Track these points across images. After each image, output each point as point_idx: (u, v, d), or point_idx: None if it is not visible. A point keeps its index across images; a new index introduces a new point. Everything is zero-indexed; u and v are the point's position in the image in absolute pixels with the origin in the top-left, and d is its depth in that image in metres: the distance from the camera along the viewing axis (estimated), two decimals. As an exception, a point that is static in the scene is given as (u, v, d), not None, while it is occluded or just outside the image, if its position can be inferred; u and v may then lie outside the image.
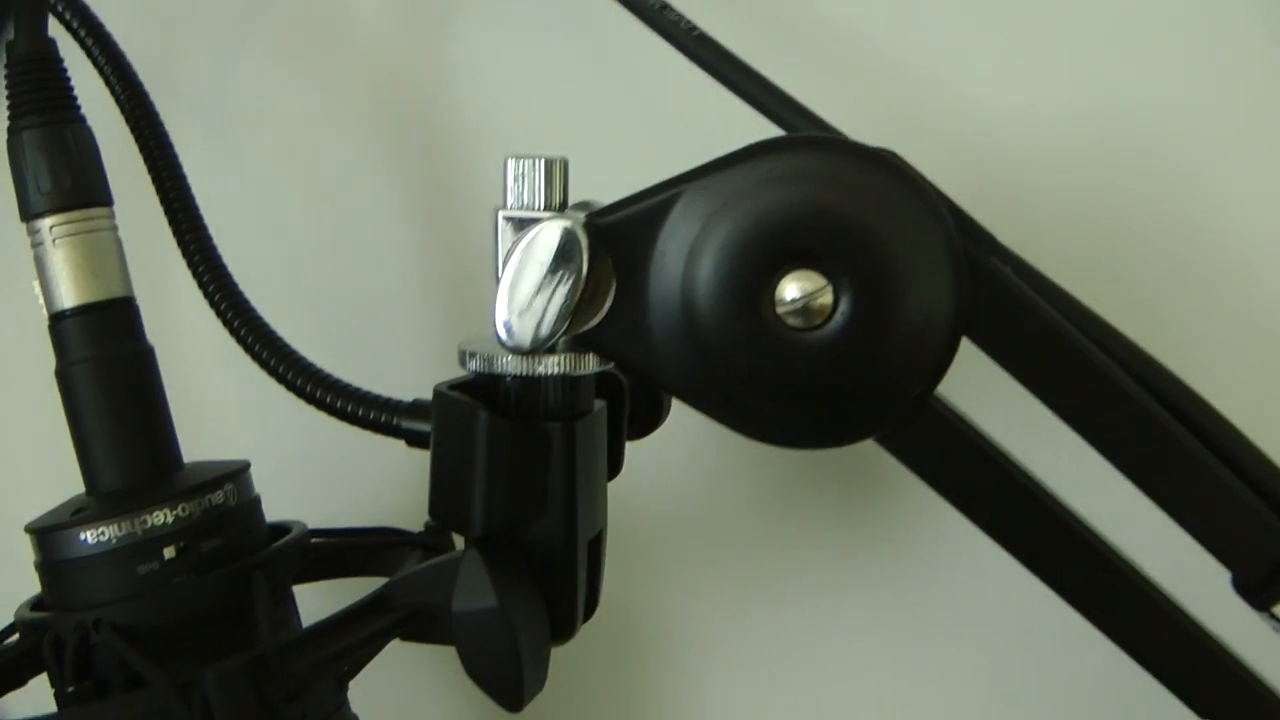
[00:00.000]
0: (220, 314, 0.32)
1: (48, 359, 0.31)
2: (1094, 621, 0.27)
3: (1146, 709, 0.34)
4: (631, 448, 0.32)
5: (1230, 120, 0.35)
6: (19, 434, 0.42)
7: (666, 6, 0.32)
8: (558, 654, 0.36)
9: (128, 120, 0.33)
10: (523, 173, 0.26)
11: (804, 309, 0.25)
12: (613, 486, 0.31)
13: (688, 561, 0.40)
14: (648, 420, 0.33)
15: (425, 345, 0.39)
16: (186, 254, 0.33)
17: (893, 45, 0.36)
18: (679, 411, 0.34)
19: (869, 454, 0.36)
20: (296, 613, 0.32)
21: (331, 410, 0.30)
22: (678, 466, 0.39)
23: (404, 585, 0.29)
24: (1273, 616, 0.27)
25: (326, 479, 0.39)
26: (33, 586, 0.31)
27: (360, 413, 0.30)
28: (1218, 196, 0.35)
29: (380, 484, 0.39)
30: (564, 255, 0.25)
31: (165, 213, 0.33)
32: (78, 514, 0.29)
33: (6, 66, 0.31)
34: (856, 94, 0.36)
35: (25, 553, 0.30)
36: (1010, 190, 0.35)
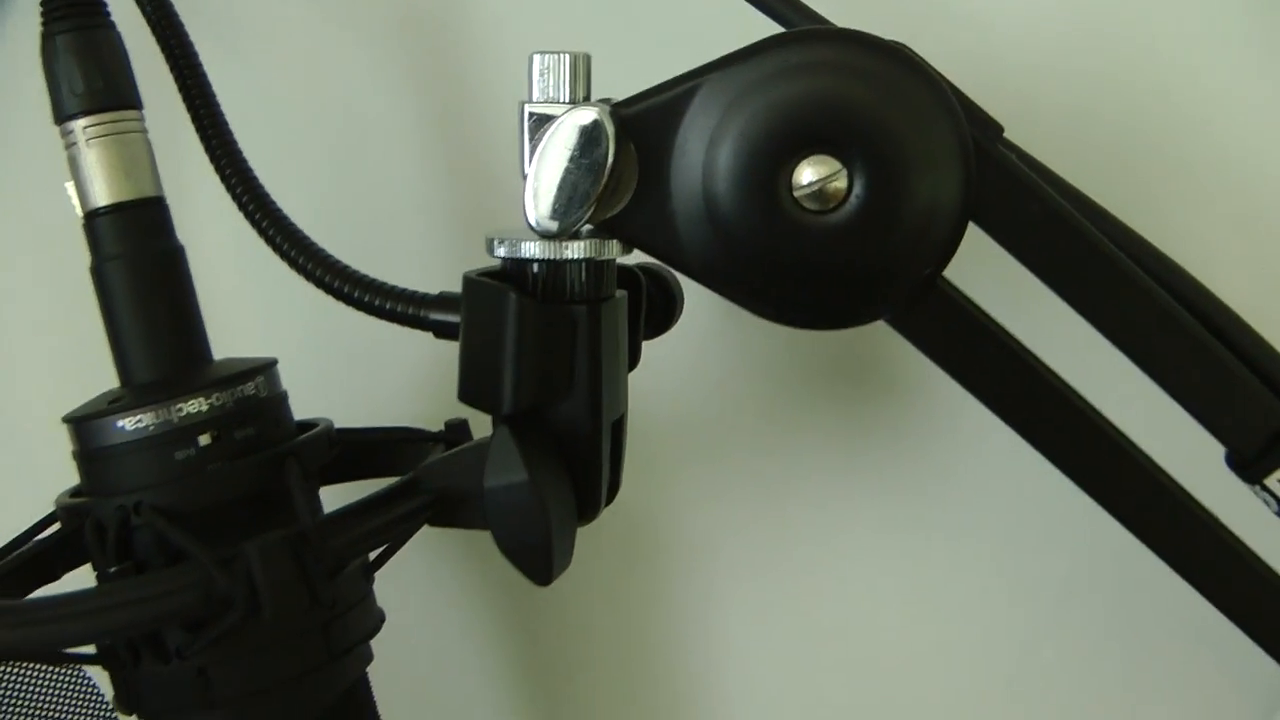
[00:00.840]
0: (247, 214, 0.33)
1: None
2: (1094, 496, 0.29)
3: (1149, 596, 0.36)
4: (650, 357, 0.34)
5: (1225, 23, 0.37)
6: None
7: None
8: (576, 557, 0.39)
9: (153, 28, 0.34)
10: (548, 67, 0.28)
11: (819, 192, 0.26)
12: (633, 396, 0.33)
13: (697, 466, 0.42)
14: (662, 320, 0.35)
15: (439, 249, 0.41)
16: (212, 156, 0.34)
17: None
18: (689, 319, 0.36)
19: (875, 356, 0.38)
20: (323, 510, 0.34)
21: (360, 305, 0.32)
22: (687, 373, 0.41)
23: (433, 470, 0.31)
24: (1264, 489, 0.29)
25: (346, 383, 0.40)
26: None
27: (388, 306, 0.31)
28: (1215, 94, 0.37)
29: (399, 388, 0.41)
30: (590, 142, 0.27)
31: (191, 118, 0.34)
32: (114, 403, 0.31)
33: (36, -29, 0.32)
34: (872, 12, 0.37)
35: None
36: (1015, 87, 0.37)
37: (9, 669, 0.34)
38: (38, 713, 0.35)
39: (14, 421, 0.45)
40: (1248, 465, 0.29)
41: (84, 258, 0.32)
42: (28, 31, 0.33)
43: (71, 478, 0.32)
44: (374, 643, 0.34)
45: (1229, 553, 0.29)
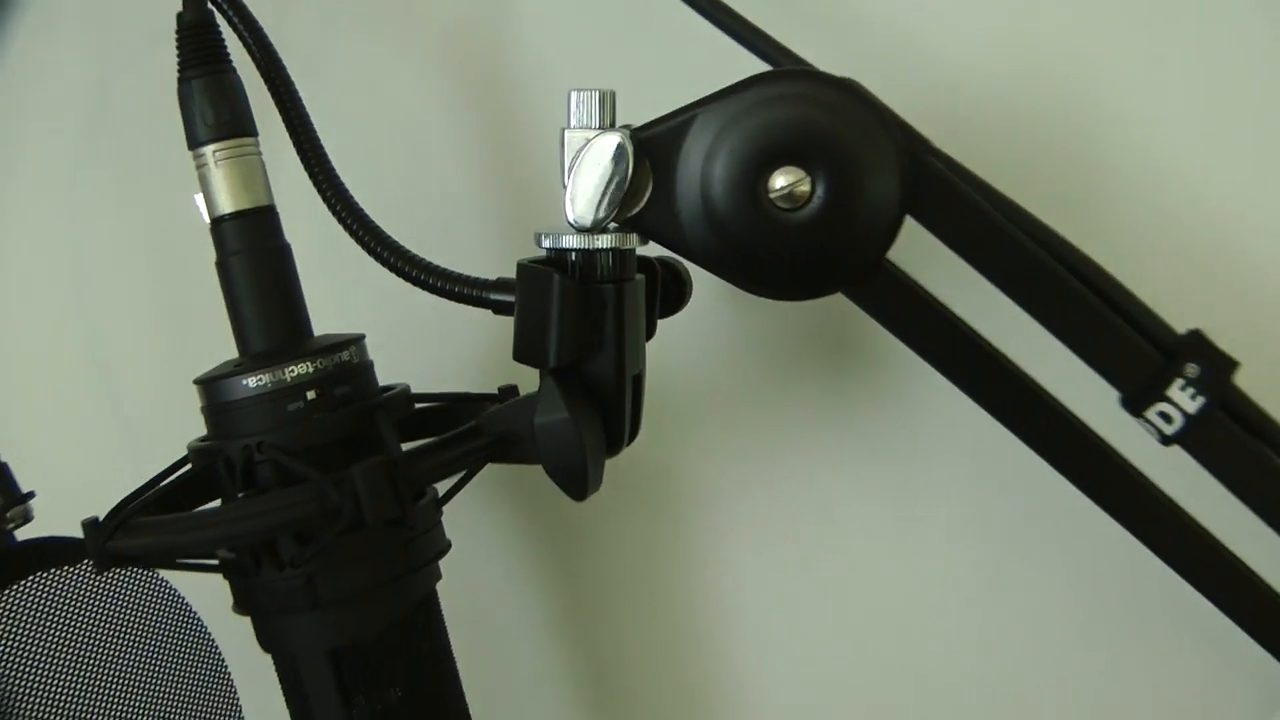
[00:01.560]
0: (338, 216, 0.42)
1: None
2: (1031, 445, 0.37)
3: (1119, 554, 0.44)
4: (667, 336, 0.43)
5: (1133, 51, 0.45)
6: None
7: None
8: (605, 508, 0.47)
9: (261, 71, 0.43)
10: (582, 100, 0.36)
11: (789, 194, 0.35)
12: (652, 371, 0.41)
13: (709, 428, 0.51)
14: (675, 301, 0.43)
15: (489, 243, 0.49)
16: (311, 173, 0.42)
17: (864, 12, 0.46)
18: (698, 302, 0.44)
19: (857, 342, 0.46)
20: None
21: (432, 288, 0.40)
22: (698, 347, 0.49)
23: (492, 418, 0.39)
24: (1146, 420, 0.37)
25: (416, 355, 0.49)
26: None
27: (456, 289, 0.40)
28: (1122, 112, 0.45)
29: (459, 360, 0.49)
30: (616, 158, 0.35)
31: (294, 143, 0.43)
32: (238, 367, 0.39)
33: (177, 31, 0.40)
34: (834, 37, 0.46)
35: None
36: (955, 109, 0.45)
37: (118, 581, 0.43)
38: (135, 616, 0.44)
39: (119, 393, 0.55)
40: (1133, 402, 0.37)
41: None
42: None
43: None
44: (444, 579, 0.42)
45: (1145, 494, 0.37)
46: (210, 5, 0.41)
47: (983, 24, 0.46)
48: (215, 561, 0.40)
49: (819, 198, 0.35)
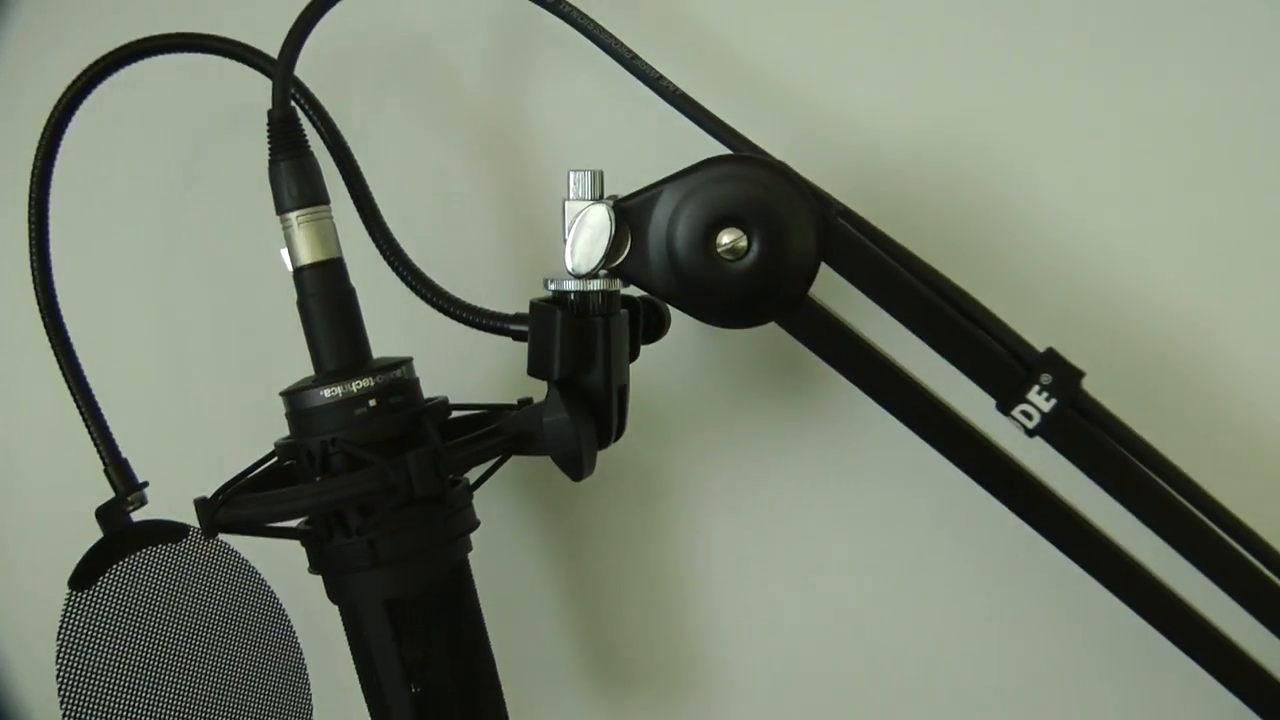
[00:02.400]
0: (391, 265, 0.54)
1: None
2: (927, 440, 0.49)
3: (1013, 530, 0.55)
4: (654, 360, 0.55)
5: (1031, 129, 0.57)
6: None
7: (638, 58, 0.53)
8: (604, 500, 0.59)
9: (330, 151, 0.56)
10: (578, 179, 0.49)
11: (731, 249, 0.47)
12: (640, 388, 0.54)
13: (688, 432, 0.63)
14: (655, 331, 0.56)
15: (508, 288, 0.62)
16: (370, 231, 0.55)
17: (799, 88, 0.59)
18: (683, 336, 0.56)
19: (803, 369, 0.58)
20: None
21: (467, 321, 0.53)
22: (676, 368, 0.62)
23: (511, 420, 0.52)
24: (1012, 418, 0.49)
25: (453, 374, 0.61)
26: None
27: (485, 321, 0.52)
28: (1021, 178, 0.57)
29: (488, 380, 0.62)
30: (603, 224, 0.48)
31: (356, 206, 0.55)
32: (315, 383, 0.52)
33: (268, 124, 0.53)
34: (774, 118, 0.59)
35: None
36: (875, 178, 0.58)
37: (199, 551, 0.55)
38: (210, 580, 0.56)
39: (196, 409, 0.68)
40: (1002, 404, 0.49)
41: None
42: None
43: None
44: (477, 558, 0.54)
45: (1012, 472, 0.49)
46: (290, 105, 0.54)
47: (889, 101, 0.58)
48: (296, 531, 0.53)
49: (754, 251, 0.47)
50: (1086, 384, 0.49)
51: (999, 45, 0.57)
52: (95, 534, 0.54)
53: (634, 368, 0.54)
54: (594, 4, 0.55)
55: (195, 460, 0.67)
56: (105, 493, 0.56)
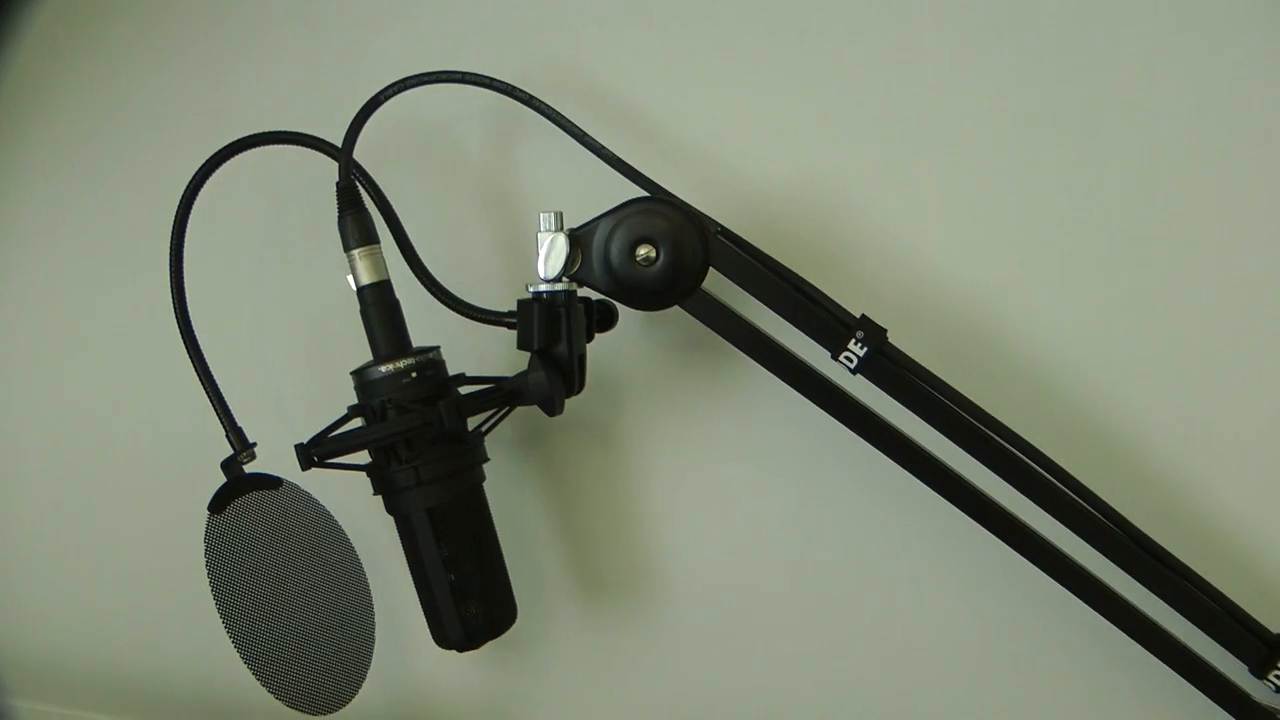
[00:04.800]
0: (423, 282, 0.81)
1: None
2: (786, 381, 0.75)
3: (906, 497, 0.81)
4: (613, 340, 0.82)
5: (873, 172, 0.83)
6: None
7: (587, 135, 0.80)
8: (577, 445, 0.86)
9: (378, 208, 0.83)
10: (546, 217, 0.75)
11: (646, 258, 0.73)
12: (600, 364, 0.80)
13: (640, 400, 0.88)
14: (606, 323, 0.82)
15: (505, 292, 0.88)
16: (410, 263, 0.82)
17: (704, 147, 0.85)
18: (633, 325, 0.82)
19: (719, 347, 0.83)
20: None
21: (476, 317, 0.79)
22: (626, 351, 0.88)
23: (508, 381, 0.78)
24: (840, 362, 0.74)
25: (469, 355, 0.86)
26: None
27: (489, 317, 0.79)
28: (863, 207, 0.83)
29: (494, 358, 0.88)
30: (562, 246, 0.74)
31: (399, 247, 0.82)
32: (374, 363, 0.78)
33: (337, 190, 0.79)
34: (684, 169, 0.85)
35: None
36: (758, 209, 0.84)
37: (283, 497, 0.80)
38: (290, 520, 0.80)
39: (273, 383, 0.94)
40: (832, 351, 0.74)
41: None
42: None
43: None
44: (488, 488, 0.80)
45: (899, 439, 0.75)
46: (351, 176, 0.81)
47: (770, 154, 0.85)
48: (364, 466, 0.79)
49: (661, 260, 0.73)
50: (914, 342, 0.75)
51: (851, 113, 0.83)
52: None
53: (595, 348, 0.80)
54: (560, 98, 0.82)
55: (281, 433, 0.92)
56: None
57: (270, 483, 0.79)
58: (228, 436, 0.79)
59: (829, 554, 0.87)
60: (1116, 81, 0.79)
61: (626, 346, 0.87)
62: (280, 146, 0.80)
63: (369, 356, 0.79)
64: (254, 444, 0.80)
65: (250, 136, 0.80)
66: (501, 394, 0.78)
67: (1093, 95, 0.79)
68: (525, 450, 0.90)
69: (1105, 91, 0.79)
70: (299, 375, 0.94)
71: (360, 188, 0.80)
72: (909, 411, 0.75)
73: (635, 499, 0.90)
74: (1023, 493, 0.75)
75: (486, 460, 0.80)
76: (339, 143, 0.78)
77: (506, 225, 0.89)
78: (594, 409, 0.87)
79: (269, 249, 0.94)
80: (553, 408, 0.76)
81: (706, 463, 0.88)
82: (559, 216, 0.75)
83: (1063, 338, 0.82)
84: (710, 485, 0.89)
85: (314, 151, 0.80)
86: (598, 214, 0.75)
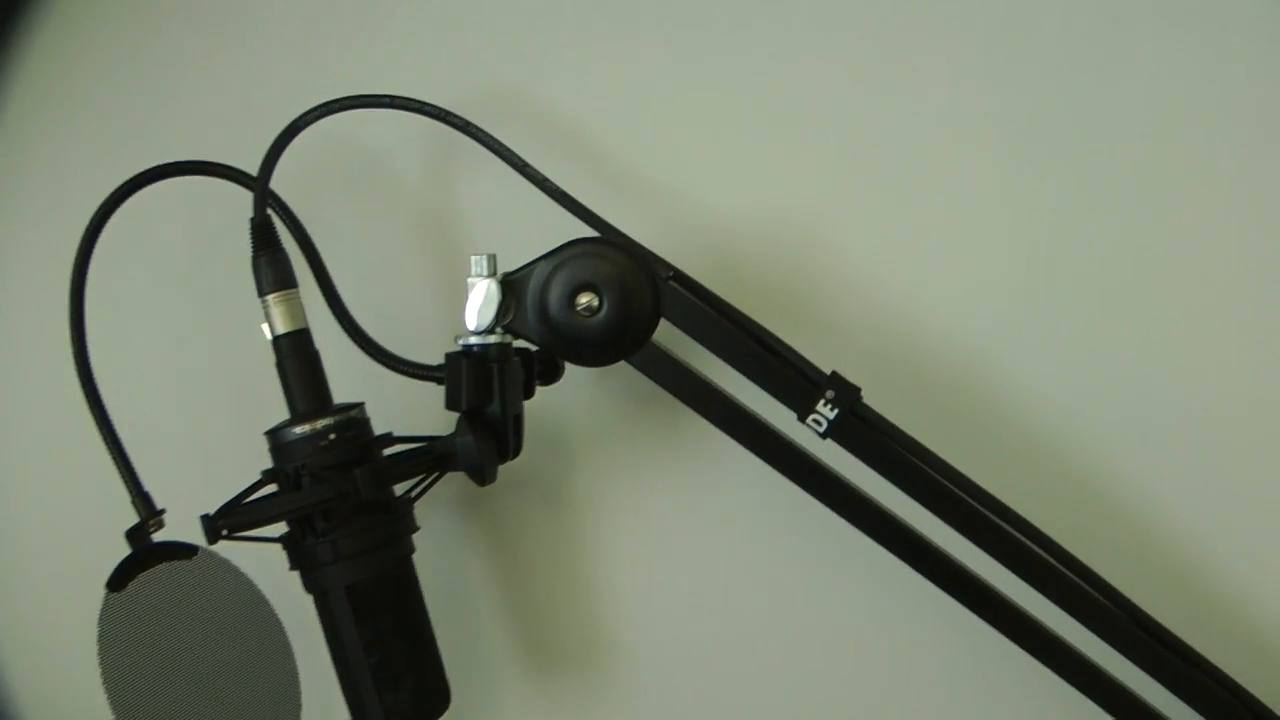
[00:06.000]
0: (350, 334, 0.73)
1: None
2: (746, 446, 0.67)
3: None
4: (558, 398, 0.74)
5: (844, 210, 0.76)
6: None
7: (528, 165, 0.72)
8: (522, 507, 0.78)
9: (300, 247, 0.75)
10: (477, 260, 0.68)
11: (587, 308, 0.65)
12: (550, 419, 0.73)
13: (593, 459, 0.81)
14: (551, 376, 0.74)
15: (438, 342, 0.80)
16: (333, 309, 0.74)
17: (660, 182, 0.78)
18: (583, 374, 0.75)
19: (670, 416, 0.76)
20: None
21: (403, 371, 0.72)
22: (573, 403, 0.80)
23: (436, 443, 0.70)
24: (808, 424, 0.66)
25: (394, 413, 0.79)
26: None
27: (417, 372, 0.71)
28: (835, 246, 0.76)
29: (429, 415, 0.80)
30: (493, 295, 0.66)
31: (321, 291, 0.74)
32: (289, 423, 0.70)
33: (251, 228, 0.72)
34: (637, 203, 0.78)
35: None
36: (716, 249, 0.76)
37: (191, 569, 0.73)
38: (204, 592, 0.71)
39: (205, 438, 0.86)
40: (799, 414, 0.66)
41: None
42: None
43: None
44: (423, 561, 0.73)
45: (824, 476, 0.67)
46: (266, 212, 0.73)
47: (736, 185, 0.77)
48: (278, 537, 0.71)
49: (605, 310, 0.65)
50: (892, 396, 0.67)
51: (824, 140, 0.77)
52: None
53: (541, 401, 0.73)
54: (502, 124, 0.74)
55: (203, 491, 0.85)
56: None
57: (182, 552, 0.71)
58: (133, 501, 0.72)
59: (798, 625, 0.80)
60: (1108, 107, 0.75)
61: (576, 399, 0.80)
62: (205, 179, 0.74)
63: (295, 412, 0.72)
64: (162, 510, 0.73)
65: (158, 168, 0.73)
66: (431, 458, 0.70)
67: (1088, 114, 0.75)
68: (465, 512, 0.83)
69: (1099, 116, 0.75)
70: (228, 429, 0.86)
71: (281, 222, 0.74)
72: (885, 480, 0.67)
73: (587, 564, 0.82)
74: (1020, 575, 0.67)
75: (415, 530, 0.73)
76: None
77: (446, 265, 0.82)
78: (541, 467, 0.81)
79: (194, 290, 0.87)
80: (483, 476, 0.68)
81: (665, 525, 0.81)
82: (492, 260, 0.68)
83: (1063, 393, 0.75)
84: (669, 549, 0.82)
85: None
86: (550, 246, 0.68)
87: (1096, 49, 0.75)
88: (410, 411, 0.79)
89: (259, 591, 0.72)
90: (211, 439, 0.87)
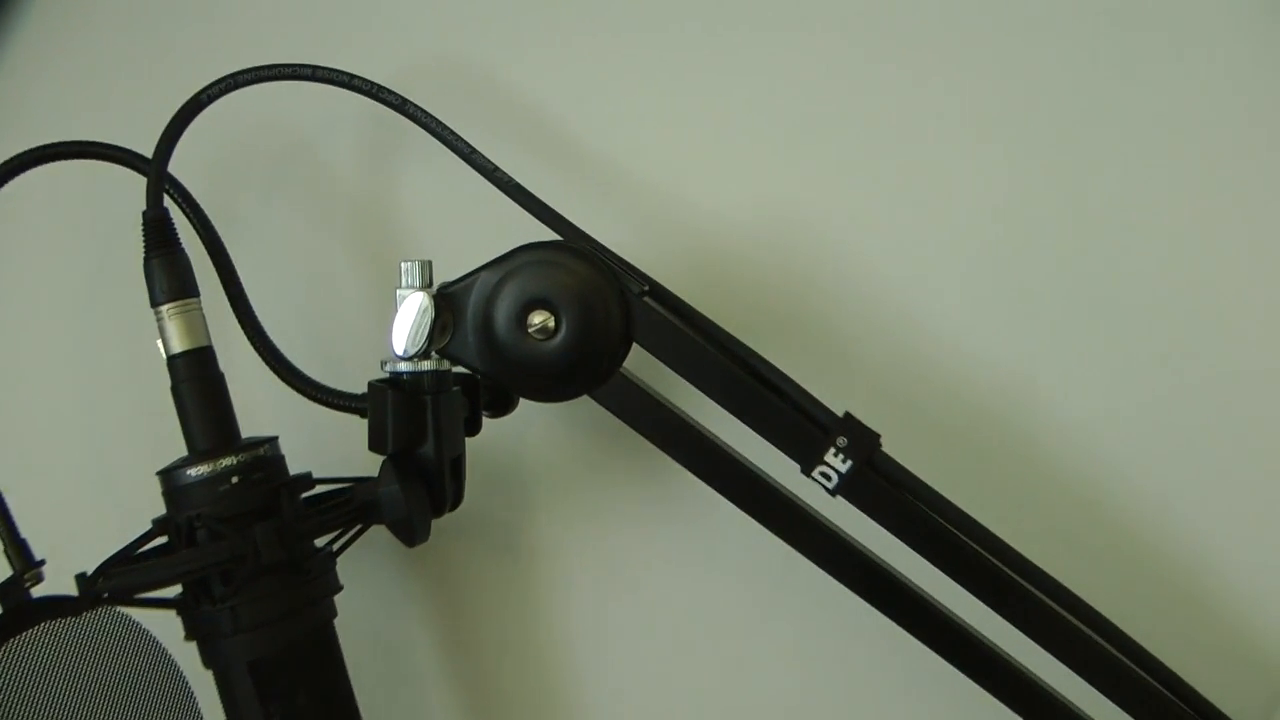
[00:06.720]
0: (258, 350, 0.61)
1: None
2: (735, 503, 0.55)
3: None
4: (515, 427, 0.62)
5: (853, 209, 0.64)
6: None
7: (476, 151, 0.60)
8: (468, 555, 0.65)
9: (206, 246, 0.63)
10: (408, 269, 0.55)
11: (541, 329, 0.53)
12: (503, 455, 0.60)
13: (549, 502, 0.69)
14: (502, 407, 0.62)
15: (369, 366, 0.69)
16: (241, 321, 0.62)
17: (637, 174, 0.66)
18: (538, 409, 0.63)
19: (643, 451, 0.64)
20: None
21: (323, 401, 0.60)
22: (529, 438, 0.68)
23: (359, 491, 0.58)
24: (813, 478, 0.54)
25: (316, 450, 0.68)
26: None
27: (340, 402, 0.59)
28: (845, 252, 0.65)
29: (344, 453, 0.68)
30: (424, 310, 0.54)
31: (229, 299, 0.62)
32: (185, 462, 0.58)
33: (143, 223, 0.60)
34: (608, 199, 0.66)
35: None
36: (703, 256, 0.64)
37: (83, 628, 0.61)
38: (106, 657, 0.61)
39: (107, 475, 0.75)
40: (803, 466, 0.54)
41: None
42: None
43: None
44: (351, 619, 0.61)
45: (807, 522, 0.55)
46: (162, 206, 0.61)
47: (723, 183, 0.66)
48: (170, 601, 0.59)
49: (563, 331, 0.53)
50: (904, 437, 0.55)
51: (824, 134, 0.66)
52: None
53: (490, 436, 0.61)
54: (445, 101, 0.62)
55: (108, 530, 0.74)
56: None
57: (66, 607, 0.61)
58: (5, 552, 0.62)
59: (787, 686, 0.70)
60: (1109, 107, 0.67)
61: (534, 431, 0.69)
62: (108, 165, 0.63)
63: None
64: (41, 561, 0.62)
65: (34, 151, 0.62)
66: (350, 509, 0.58)
67: (1089, 114, 0.67)
68: (405, 563, 0.72)
69: (1101, 116, 0.67)
70: (137, 457, 0.73)
71: (184, 216, 0.63)
72: (904, 544, 0.55)
73: (548, 620, 0.72)
74: (1059, 657, 0.55)
75: (338, 590, 0.61)
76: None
77: (381, 271, 0.71)
78: (495, 510, 0.70)
79: (98, 295, 0.76)
80: (411, 534, 0.56)
81: (634, 579, 0.71)
82: (425, 268, 0.56)
83: (1110, 431, 0.64)
84: (638, 607, 0.71)
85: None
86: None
87: (1099, 49, 0.67)
88: (347, 441, 0.67)
89: (163, 649, 0.61)
90: (117, 469, 0.76)
